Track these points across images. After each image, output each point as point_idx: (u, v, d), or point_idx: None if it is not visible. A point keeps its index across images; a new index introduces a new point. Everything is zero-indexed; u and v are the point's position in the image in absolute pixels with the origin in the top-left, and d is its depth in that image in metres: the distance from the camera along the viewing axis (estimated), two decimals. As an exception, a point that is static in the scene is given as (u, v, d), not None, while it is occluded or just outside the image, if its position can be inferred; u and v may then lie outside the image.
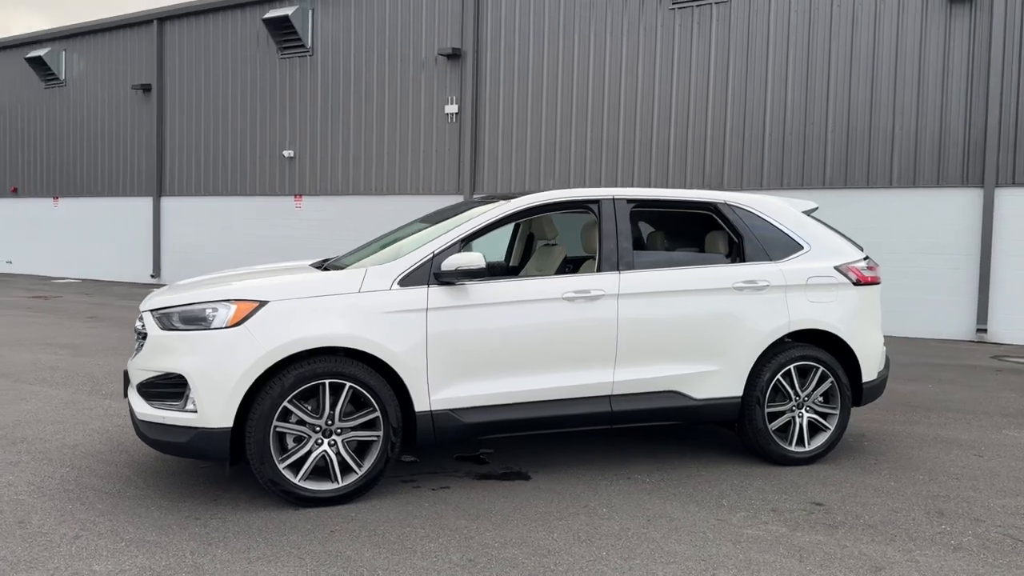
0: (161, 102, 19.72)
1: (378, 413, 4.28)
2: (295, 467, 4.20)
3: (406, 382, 4.32)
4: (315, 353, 4.21)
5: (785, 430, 5.16)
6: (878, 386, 5.49)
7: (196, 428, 4.07)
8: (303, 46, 17.32)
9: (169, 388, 4.16)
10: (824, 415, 5.25)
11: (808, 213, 5.58)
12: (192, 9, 18.96)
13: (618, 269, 4.83)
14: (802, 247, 5.30)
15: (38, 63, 21.53)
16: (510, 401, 4.54)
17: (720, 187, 13.21)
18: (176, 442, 4.13)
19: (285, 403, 4.12)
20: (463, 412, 4.44)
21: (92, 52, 21.11)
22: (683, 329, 4.87)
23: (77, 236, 21.44)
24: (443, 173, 15.72)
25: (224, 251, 18.60)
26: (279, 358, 4.10)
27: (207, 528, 3.93)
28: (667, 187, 13.52)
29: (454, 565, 3.53)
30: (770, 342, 5.05)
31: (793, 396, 5.15)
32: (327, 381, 4.18)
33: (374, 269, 4.43)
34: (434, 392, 4.38)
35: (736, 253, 5.23)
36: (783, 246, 5.26)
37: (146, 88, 19.80)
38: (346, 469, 4.28)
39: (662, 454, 5.35)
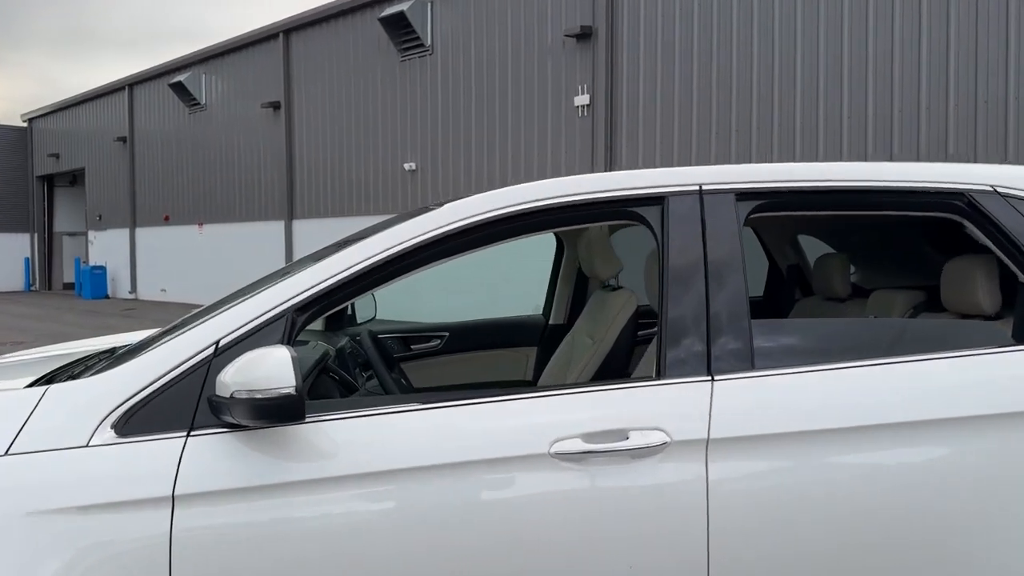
0: (290, 120, 18.62)
1: None
2: None
3: None
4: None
5: None
6: None
7: None
8: (422, 45, 15.36)
9: None
10: None
11: None
12: (313, 17, 17.68)
13: (709, 368, 1.97)
14: None
15: (181, 89, 21.30)
16: None
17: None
18: None
19: None
20: None
21: (227, 72, 20.55)
22: (898, 523, 1.91)
23: (219, 264, 20.89)
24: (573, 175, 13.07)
25: (347, 277, 17.12)
26: None
27: None
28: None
29: None
30: None
31: None
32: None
33: (61, 391, 1.89)
34: None
35: None
36: None
37: (275, 106, 18.80)
38: None
39: None
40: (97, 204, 26.71)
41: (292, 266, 2.43)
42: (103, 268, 25.79)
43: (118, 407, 1.82)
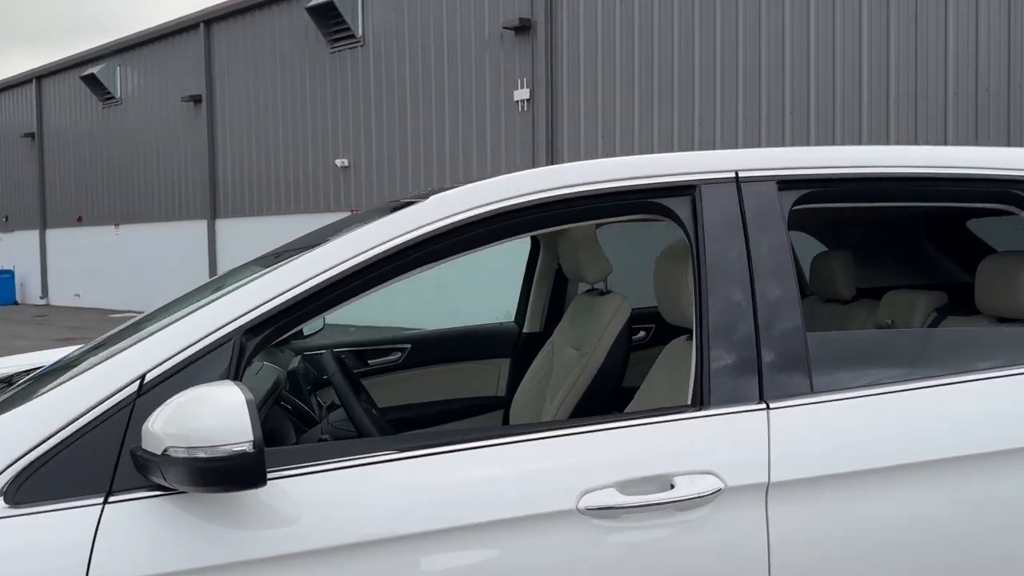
0: (211, 115, 17.74)
1: None
2: None
3: None
4: None
5: None
6: None
7: None
8: (352, 36, 14.77)
9: None
10: None
11: None
12: (237, 6, 16.87)
13: (761, 394, 1.60)
14: None
15: (93, 81, 20.12)
16: None
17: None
18: None
19: None
20: None
21: (144, 64, 19.51)
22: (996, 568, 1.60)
23: (137, 266, 19.84)
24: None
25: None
26: None
27: None
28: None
29: None
30: None
31: None
32: None
33: None
34: None
35: None
36: None
37: (196, 99, 17.90)
38: None
39: None
40: (3, 205, 25.14)
41: (232, 274, 1.99)
42: (10, 272, 24.30)
43: (8, 467, 1.36)
